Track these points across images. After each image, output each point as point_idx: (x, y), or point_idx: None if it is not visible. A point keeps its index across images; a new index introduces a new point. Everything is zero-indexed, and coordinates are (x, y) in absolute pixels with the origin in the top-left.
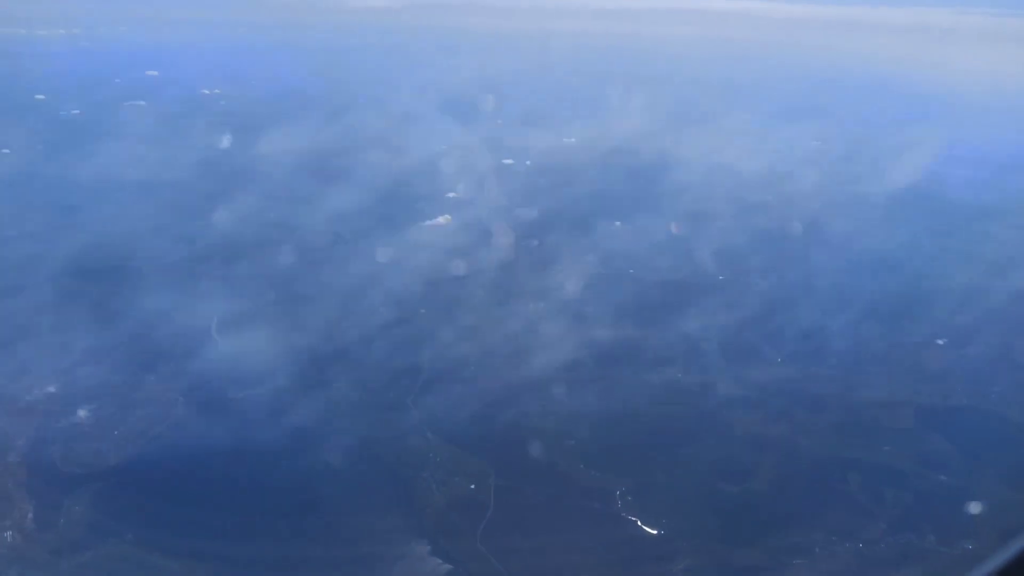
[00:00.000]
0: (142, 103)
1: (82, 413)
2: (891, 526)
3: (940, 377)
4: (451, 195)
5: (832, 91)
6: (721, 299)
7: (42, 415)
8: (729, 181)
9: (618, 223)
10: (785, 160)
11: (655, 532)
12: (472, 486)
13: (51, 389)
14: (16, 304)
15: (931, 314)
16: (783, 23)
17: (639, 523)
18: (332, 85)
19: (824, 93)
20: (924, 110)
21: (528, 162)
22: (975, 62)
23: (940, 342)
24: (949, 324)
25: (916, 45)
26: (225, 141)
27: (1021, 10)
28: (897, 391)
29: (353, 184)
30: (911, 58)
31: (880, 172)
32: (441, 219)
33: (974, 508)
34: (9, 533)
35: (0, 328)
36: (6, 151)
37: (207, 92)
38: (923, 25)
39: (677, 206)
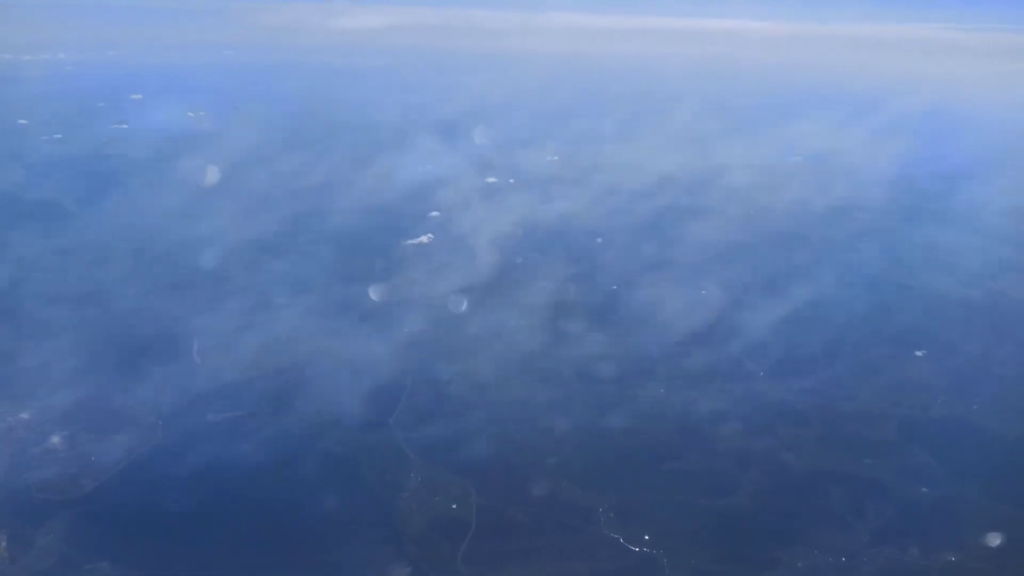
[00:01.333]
0: (124, 126)
1: None
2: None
3: None
4: (434, 214)
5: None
6: None
7: None
8: None
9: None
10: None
11: (637, 549)
12: (454, 505)
13: None
14: None
15: None
16: (781, 41)
17: (621, 540)
18: (317, 107)
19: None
20: None
21: None
22: None
23: None
24: None
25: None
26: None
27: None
28: None
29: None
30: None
31: None
32: (424, 238)
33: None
34: None
35: None
36: None
37: (191, 115)
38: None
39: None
